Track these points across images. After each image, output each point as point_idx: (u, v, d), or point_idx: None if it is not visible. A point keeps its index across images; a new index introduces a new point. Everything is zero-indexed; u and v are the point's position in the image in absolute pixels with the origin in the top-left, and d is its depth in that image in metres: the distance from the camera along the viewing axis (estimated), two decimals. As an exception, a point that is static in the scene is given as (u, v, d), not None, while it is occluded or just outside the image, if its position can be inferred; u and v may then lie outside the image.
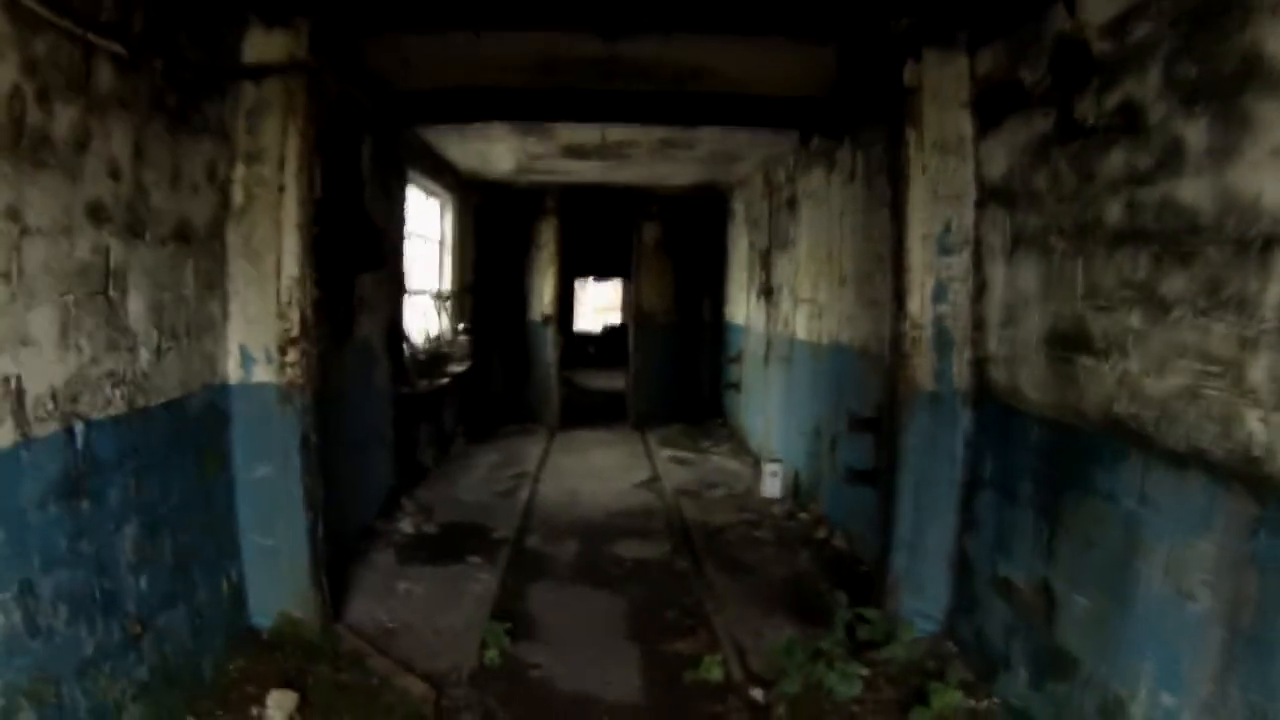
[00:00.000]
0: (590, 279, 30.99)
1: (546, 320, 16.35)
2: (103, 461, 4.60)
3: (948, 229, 6.10)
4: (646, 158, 12.59)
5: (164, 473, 5.22)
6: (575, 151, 12.09)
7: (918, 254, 6.12)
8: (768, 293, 12.76)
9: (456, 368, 12.91)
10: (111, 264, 4.64)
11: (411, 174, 11.34)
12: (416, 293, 12.30)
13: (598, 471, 12.68)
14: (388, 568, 8.10)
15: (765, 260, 12.94)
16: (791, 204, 11.53)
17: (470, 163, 13.41)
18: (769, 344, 12.74)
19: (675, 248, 17.10)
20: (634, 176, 14.58)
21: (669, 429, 15.82)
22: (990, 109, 5.93)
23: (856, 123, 8.73)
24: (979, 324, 6.05)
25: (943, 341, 6.13)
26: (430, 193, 13.50)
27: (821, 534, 9.20)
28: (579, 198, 16.41)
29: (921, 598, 6.43)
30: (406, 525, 9.26)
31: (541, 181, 15.40)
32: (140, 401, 4.94)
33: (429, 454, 11.99)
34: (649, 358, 16.76)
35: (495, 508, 10.36)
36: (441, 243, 14.32)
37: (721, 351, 16.93)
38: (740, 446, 14.27)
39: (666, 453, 13.84)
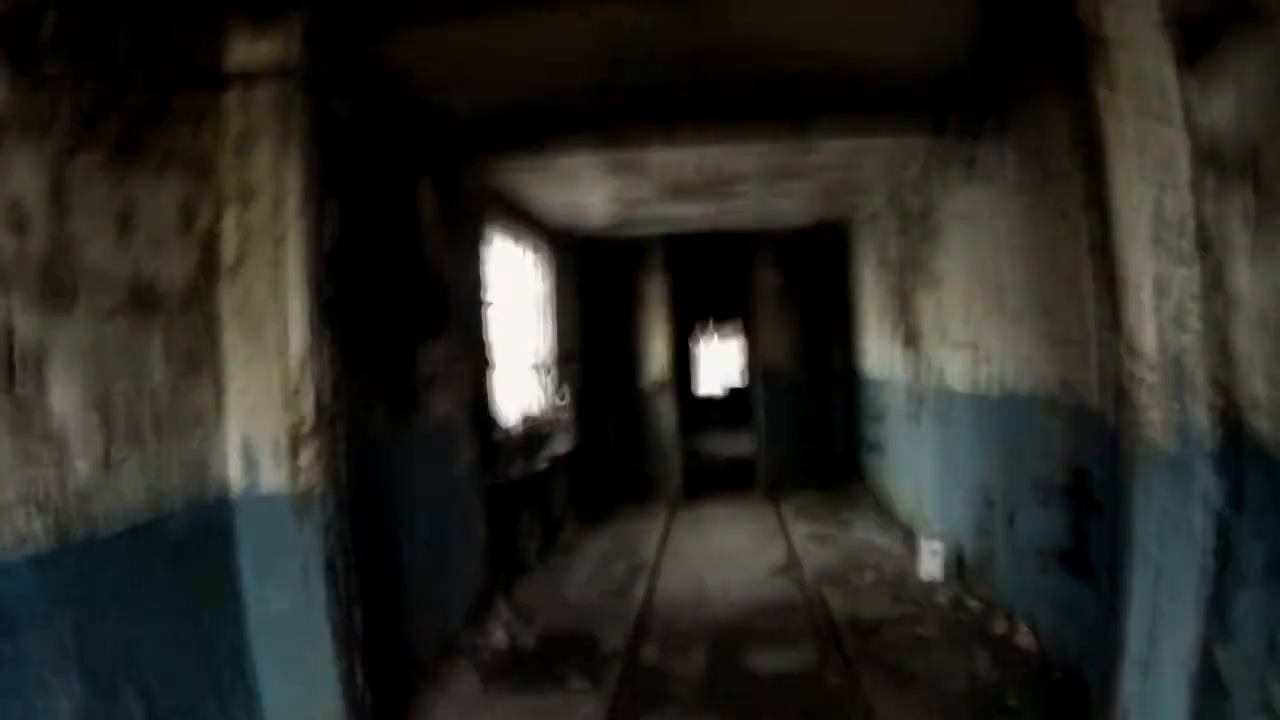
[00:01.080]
0: (709, 329, 29.00)
1: (661, 385, 14.89)
2: (13, 616, 3.27)
3: (1171, 221, 4.40)
4: (757, 193, 11.16)
5: (126, 617, 3.89)
6: (676, 191, 10.69)
7: (1138, 265, 4.39)
8: (911, 339, 11.10)
9: (561, 446, 11.55)
10: (17, 346, 3.32)
11: (494, 226, 10.09)
12: (510, 363, 10.98)
13: (726, 555, 11.01)
14: (469, 697, 6.63)
15: (905, 301, 11.27)
16: (932, 232, 9.91)
17: (560, 213, 12.14)
18: (916, 397, 11.05)
19: (797, 294, 15.44)
20: (745, 218, 13.19)
21: (803, 497, 14.17)
22: (1201, 30, 4.24)
23: (1006, 106, 7.15)
24: (1225, 353, 4.34)
25: (1182, 382, 4.41)
26: (522, 248, 12.26)
27: (1000, 629, 7.45)
28: (687, 247, 15.03)
29: (1155, 729, 4.71)
30: (499, 636, 7.80)
31: (644, 232, 14.09)
32: (78, 531, 3.60)
33: (532, 544, 10.58)
34: (776, 417, 15.10)
35: (606, 609, 8.83)
36: (540, 305, 13.04)
37: (854, 406, 15.24)
38: (887, 516, 12.52)
39: (804, 528, 12.14)
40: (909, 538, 11.03)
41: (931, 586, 8.91)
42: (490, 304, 9.48)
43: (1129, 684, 4.71)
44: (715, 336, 30.98)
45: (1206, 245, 4.33)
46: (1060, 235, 6.19)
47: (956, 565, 9.07)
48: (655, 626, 8.28)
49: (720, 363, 35.13)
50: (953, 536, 9.30)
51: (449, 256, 8.21)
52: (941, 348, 9.82)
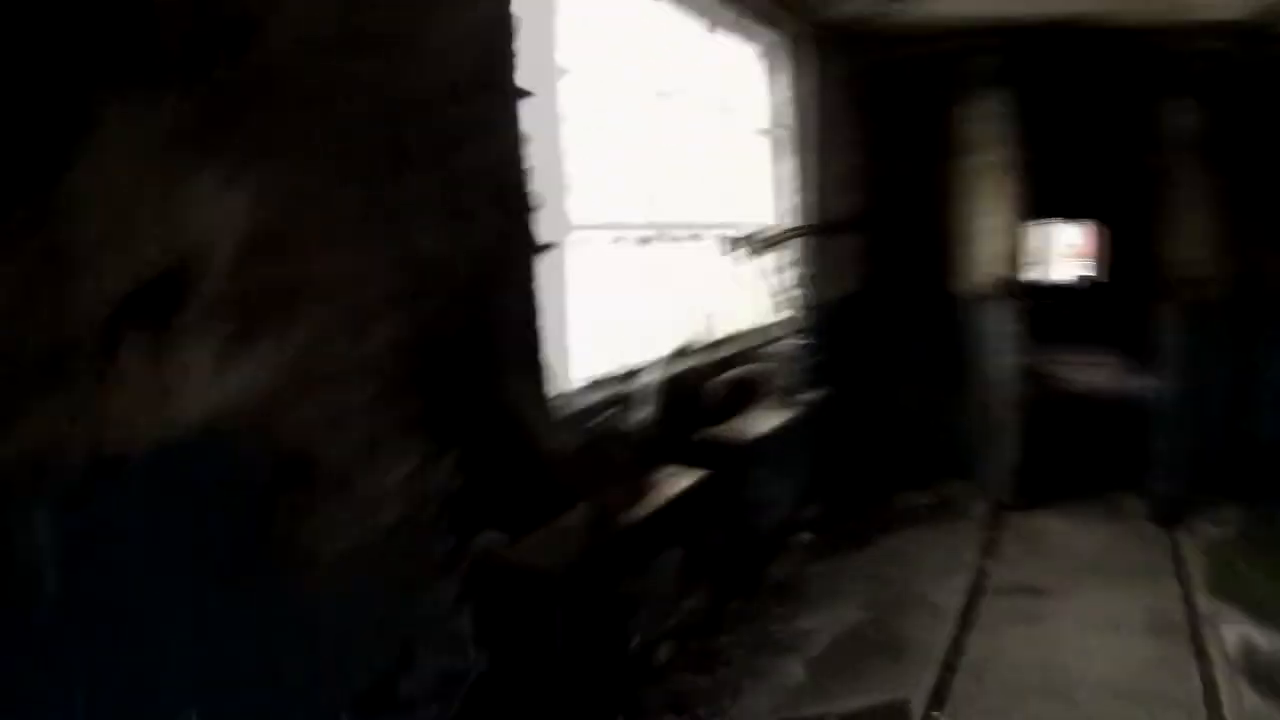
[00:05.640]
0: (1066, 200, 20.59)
1: (996, 290, 8.58)
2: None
3: None
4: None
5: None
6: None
7: None
8: None
9: (772, 417, 5.98)
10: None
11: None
12: (622, 230, 5.52)
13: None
14: None
15: None
16: None
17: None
18: None
19: (1227, 151, 8.48)
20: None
21: (1220, 521, 8.01)
22: None
23: None
24: None
25: None
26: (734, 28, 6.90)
27: None
28: (1041, 58, 8.58)
29: None
30: None
31: (962, 19, 7.98)
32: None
33: (682, 613, 5.34)
34: (1188, 366, 8.36)
35: None
36: (775, 135, 7.56)
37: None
38: None
39: (1235, 626, 6.05)
40: None
41: None
42: (526, 95, 4.14)
43: None
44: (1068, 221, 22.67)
45: None
46: None
47: None
48: None
49: (1071, 245, 26.84)
50: None
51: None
52: None
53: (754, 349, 6.30)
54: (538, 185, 4.25)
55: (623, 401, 4.65)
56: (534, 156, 4.24)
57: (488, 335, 3.91)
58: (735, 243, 6.33)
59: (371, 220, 3.41)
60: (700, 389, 5.57)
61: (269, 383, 2.95)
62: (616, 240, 5.31)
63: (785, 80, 7.57)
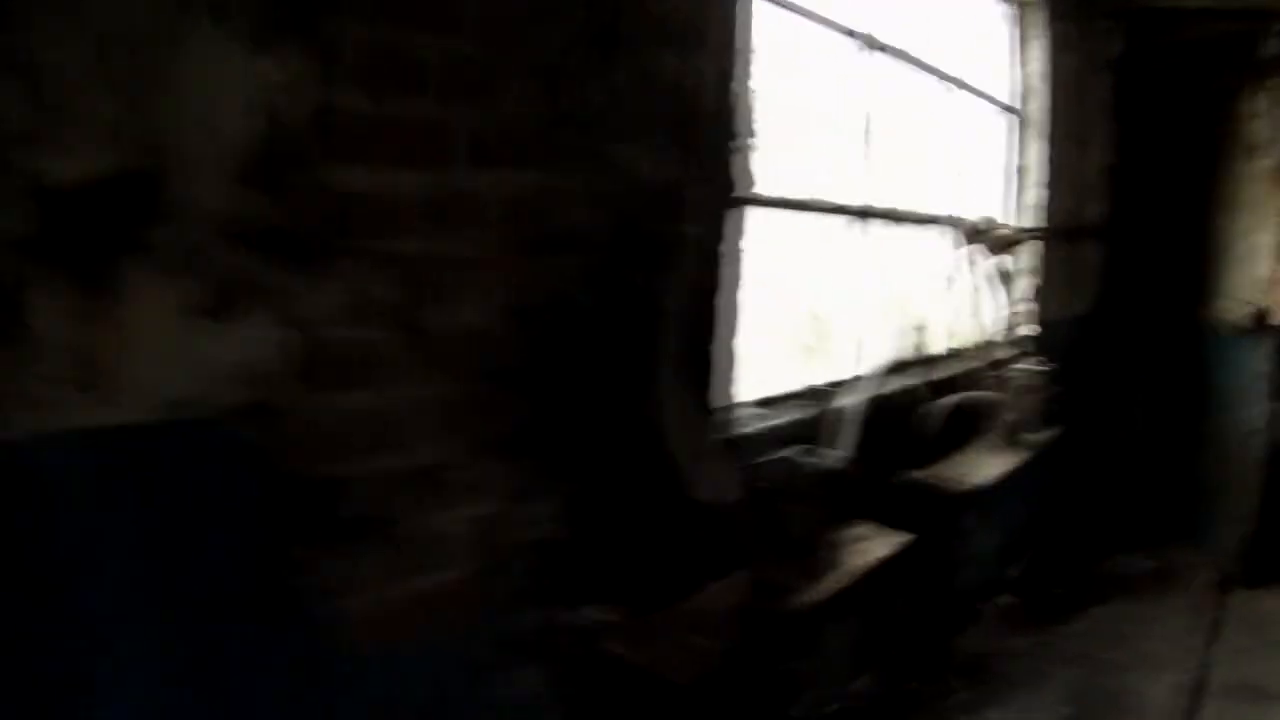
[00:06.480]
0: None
1: (1258, 324, 7.10)
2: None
3: None
4: None
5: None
6: None
7: None
8: None
9: (997, 460, 4.79)
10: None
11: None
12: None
13: None
14: None
15: None
16: None
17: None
18: None
19: None
20: None
21: None
22: None
23: None
24: None
25: None
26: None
27: None
28: None
29: None
30: None
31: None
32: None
33: (849, 697, 4.21)
34: None
35: None
36: (1018, 115, 6.39)
37: None
38: None
39: None
40: None
41: None
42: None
43: None
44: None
45: None
46: None
47: None
48: None
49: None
50: None
51: None
52: None
53: (978, 371, 5.11)
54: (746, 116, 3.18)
55: (809, 430, 3.52)
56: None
57: (642, 315, 2.82)
58: (966, 237, 5.12)
59: (507, 121, 2.36)
60: (911, 417, 4.41)
61: (278, 360, 1.93)
62: (808, 220, 4.17)
63: (1037, 51, 6.31)
